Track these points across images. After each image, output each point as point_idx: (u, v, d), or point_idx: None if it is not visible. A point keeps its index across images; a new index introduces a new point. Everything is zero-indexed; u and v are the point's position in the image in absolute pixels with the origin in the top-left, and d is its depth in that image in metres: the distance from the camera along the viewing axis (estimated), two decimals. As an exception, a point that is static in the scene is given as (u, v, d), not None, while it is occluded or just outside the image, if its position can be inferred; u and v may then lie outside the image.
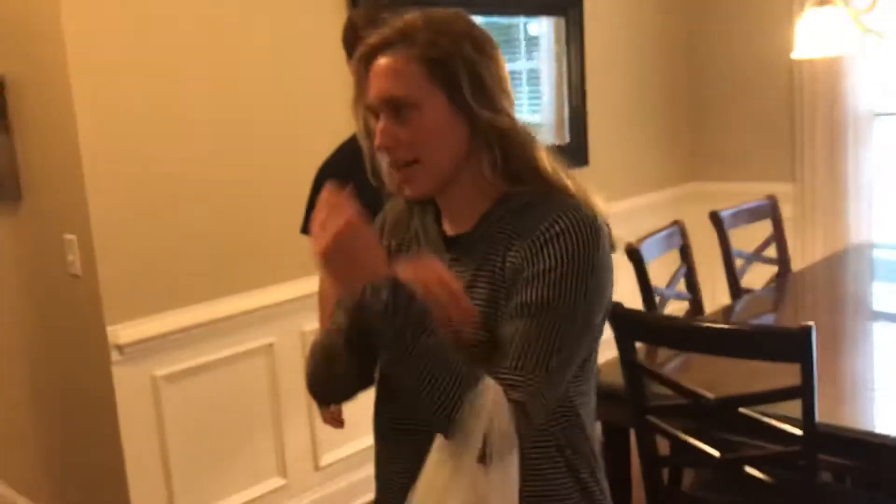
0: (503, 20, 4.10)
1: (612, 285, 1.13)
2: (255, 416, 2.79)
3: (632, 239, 2.71)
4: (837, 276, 3.25)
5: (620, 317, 1.87)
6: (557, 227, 1.07)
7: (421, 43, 1.08)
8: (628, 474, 2.25)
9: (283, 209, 2.70)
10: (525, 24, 4.22)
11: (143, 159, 2.46)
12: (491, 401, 0.98)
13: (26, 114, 2.57)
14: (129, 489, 2.50)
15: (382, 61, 1.11)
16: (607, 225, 1.15)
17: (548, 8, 3.80)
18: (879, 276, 3.25)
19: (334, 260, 1.00)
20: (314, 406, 2.58)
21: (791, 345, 1.67)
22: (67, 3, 2.30)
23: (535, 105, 4.29)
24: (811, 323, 1.63)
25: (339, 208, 1.00)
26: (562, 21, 3.85)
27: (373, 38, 1.13)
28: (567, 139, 3.94)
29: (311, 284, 2.35)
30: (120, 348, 2.44)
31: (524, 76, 4.78)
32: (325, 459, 3.00)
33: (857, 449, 1.78)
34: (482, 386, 0.99)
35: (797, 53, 2.60)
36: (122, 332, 2.44)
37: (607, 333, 1.86)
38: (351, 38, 1.98)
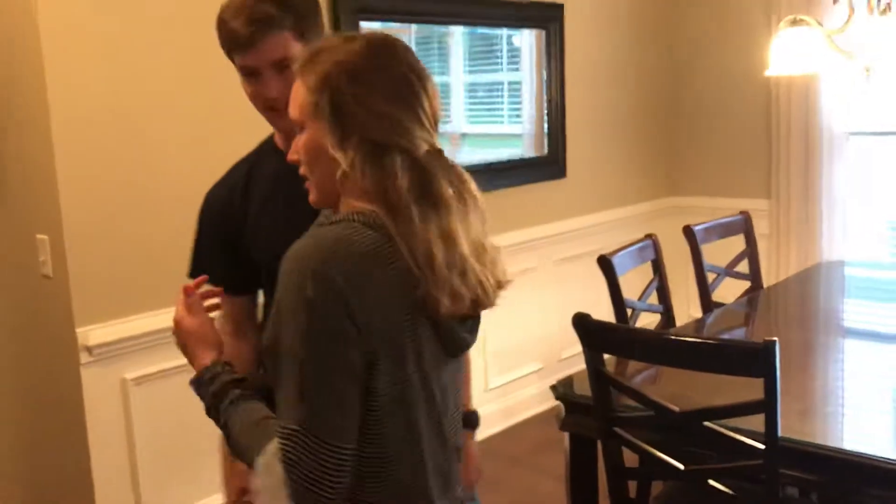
0: (485, 31, 4.12)
1: (325, 313, 1.06)
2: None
3: (607, 251, 2.74)
4: (809, 292, 3.29)
5: (588, 328, 1.89)
6: (284, 265, 1.10)
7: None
8: (595, 486, 2.27)
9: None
10: (508, 36, 4.25)
11: (116, 161, 2.46)
12: (270, 455, 1.06)
13: (1, 114, 2.56)
14: (95, 492, 2.48)
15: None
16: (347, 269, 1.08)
17: (529, 21, 3.83)
18: (850, 293, 3.29)
19: (179, 346, 1.33)
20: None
21: (755, 359, 1.68)
22: (44, 5, 2.29)
23: (515, 117, 4.31)
24: (775, 338, 1.65)
25: (179, 304, 1.32)
26: (542, 34, 3.88)
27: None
28: (545, 151, 3.96)
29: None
30: (89, 350, 2.42)
31: (505, 87, 4.81)
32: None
33: (819, 464, 1.80)
34: (269, 444, 1.07)
35: (771, 71, 2.63)
36: (92, 334, 2.43)
37: (576, 345, 1.90)
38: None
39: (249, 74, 1.47)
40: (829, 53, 2.54)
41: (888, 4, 2.39)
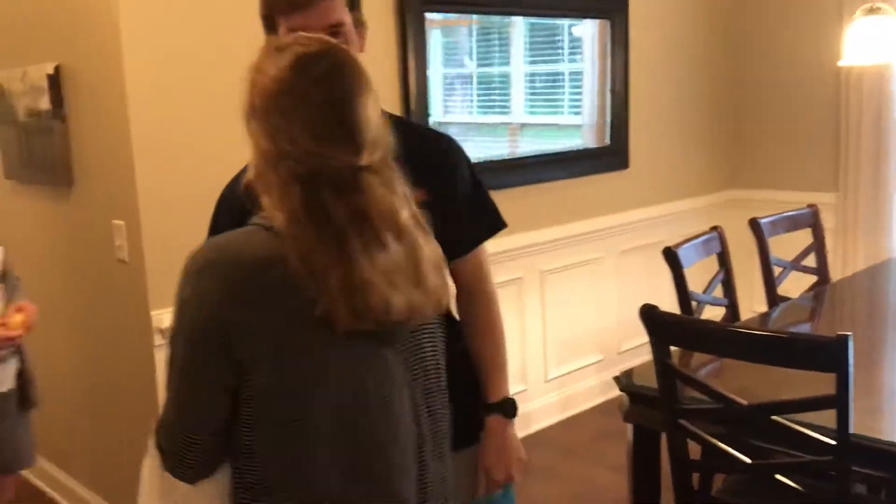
0: (546, 21, 4.12)
1: (193, 316, 1.15)
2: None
3: (671, 243, 2.72)
4: (878, 287, 3.21)
5: (656, 320, 1.89)
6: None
7: None
8: (658, 477, 2.26)
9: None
10: (569, 26, 4.23)
11: (193, 147, 2.52)
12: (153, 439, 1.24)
13: (80, 103, 2.65)
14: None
15: None
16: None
17: (592, 11, 3.81)
18: (921, 290, 3.21)
19: None
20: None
21: (827, 354, 1.66)
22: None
23: (575, 107, 4.29)
24: (849, 333, 1.63)
25: None
26: (606, 24, 3.85)
27: None
28: (608, 142, 3.93)
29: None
30: (163, 332, 2.50)
31: (566, 78, 4.79)
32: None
33: (889, 462, 1.77)
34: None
35: (845, 61, 2.58)
36: (166, 317, 2.50)
37: (636, 337, 1.89)
38: None
39: None
40: (906, 43, 2.48)
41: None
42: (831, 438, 1.70)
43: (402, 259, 1.16)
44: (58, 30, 2.68)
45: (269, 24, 1.45)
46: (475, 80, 5.04)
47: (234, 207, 1.46)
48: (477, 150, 3.81)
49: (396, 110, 3.01)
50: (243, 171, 1.51)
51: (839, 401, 1.66)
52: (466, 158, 1.62)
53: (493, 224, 1.65)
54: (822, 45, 4.04)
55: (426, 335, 1.28)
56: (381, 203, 1.14)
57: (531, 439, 3.54)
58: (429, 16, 3.11)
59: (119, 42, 2.37)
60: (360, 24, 1.48)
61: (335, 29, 1.40)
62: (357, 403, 1.18)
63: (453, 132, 4.56)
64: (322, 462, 1.16)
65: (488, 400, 1.61)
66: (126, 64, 2.38)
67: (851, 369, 1.64)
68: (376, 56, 2.93)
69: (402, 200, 1.17)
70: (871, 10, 2.42)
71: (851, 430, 1.67)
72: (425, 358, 1.28)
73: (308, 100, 1.13)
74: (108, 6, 2.39)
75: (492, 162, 3.51)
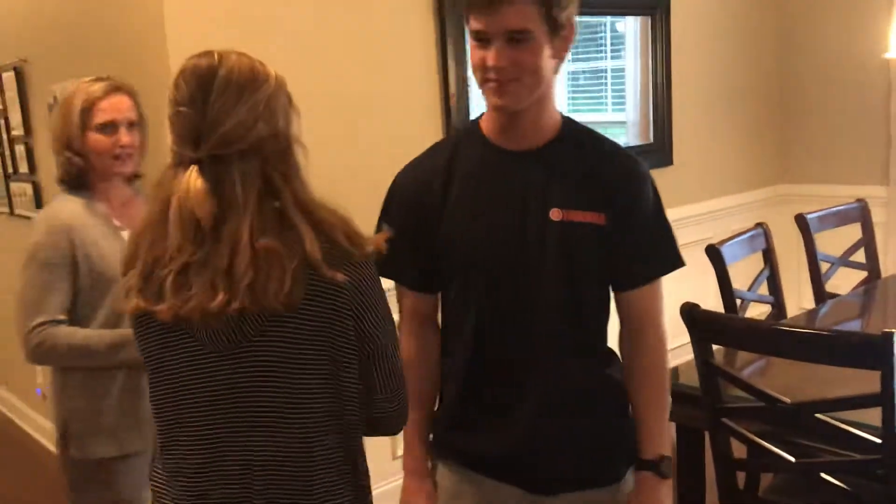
0: (588, 19, 4.11)
1: None
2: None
3: (716, 241, 2.70)
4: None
5: (696, 318, 1.88)
6: None
7: None
8: (703, 476, 2.26)
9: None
10: (611, 23, 4.22)
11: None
12: None
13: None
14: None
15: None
16: None
17: (634, 7, 3.79)
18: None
19: None
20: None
21: (872, 352, 1.64)
22: (170, 12, 2.44)
23: (618, 104, 4.28)
24: (893, 330, 1.61)
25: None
26: (648, 20, 3.83)
27: None
28: (651, 139, 3.91)
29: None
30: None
31: (608, 75, 4.77)
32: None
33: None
34: None
35: (892, 53, 2.53)
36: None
37: (680, 336, 1.89)
38: None
39: (479, 39, 1.36)
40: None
41: None
42: (877, 437, 1.68)
43: (202, 255, 1.16)
44: (111, 45, 2.77)
45: (466, 23, 1.42)
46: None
47: (407, 197, 1.50)
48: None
49: (436, 112, 3.05)
50: (417, 159, 1.55)
51: (885, 398, 1.64)
52: (653, 185, 1.49)
53: (672, 260, 1.51)
54: (871, 36, 3.96)
55: (268, 345, 1.19)
56: (185, 194, 1.16)
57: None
58: (469, 19, 3.13)
59: (167, 60, 2.44)
60: (556, 29, 1.37)
61: (516, 35, 1.33)
62: (194, 395, 1.22)
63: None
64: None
65: (642, 455, 1.50)
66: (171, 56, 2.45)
67: (896, 367, 1.62)
68: (415, 59, 2.97)
69: (241, 196, 1.17)
70: (918, 1, 2.37)
71: (897, 428, 1.65)
72: (268, 373, 1.20)
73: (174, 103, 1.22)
74: (157, 26, 2.47)
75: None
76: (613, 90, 4.65)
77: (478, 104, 4.27)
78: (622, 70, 4.03)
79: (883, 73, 4.01)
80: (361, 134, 2.86)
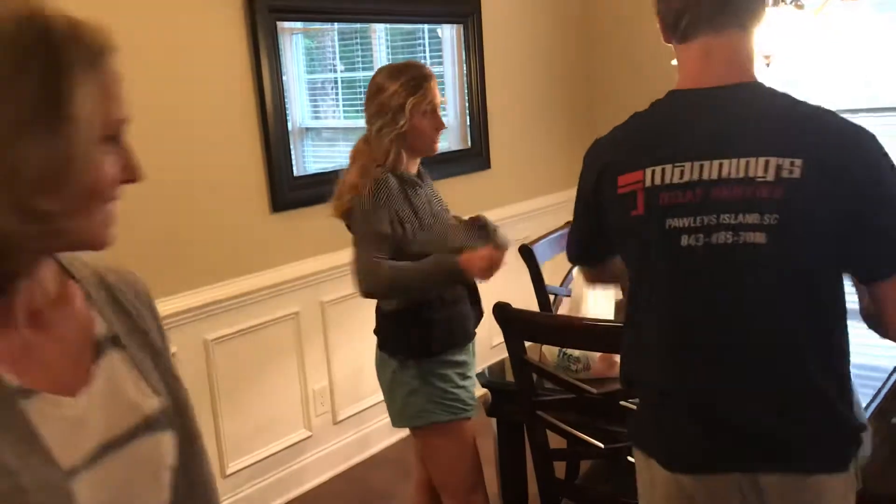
0: (406, 26, 4.15)
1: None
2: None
3: (534, 239, 2.81)
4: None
5: (508, 317, 1.95)
6: None
7: None
8: (524, 469, 2.34)
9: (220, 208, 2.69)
10: (429, 29, 4.29)
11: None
12: None
13: None
14: None
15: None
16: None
17: (447, 16, 3.88)
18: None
19: None
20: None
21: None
22: None
23: (441, 109, 4.36)
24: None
25: None
26: (461, 28, 3.93)
27: None
28: (469, 144, 4.02)
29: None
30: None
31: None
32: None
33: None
34: None
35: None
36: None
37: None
38: None
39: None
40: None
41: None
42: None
43: None
44: None
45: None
46: (340, 84, 5.03)
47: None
48: (344, 155, 3.81)
49: (252, 116, 2.99)
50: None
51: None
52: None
53: None
54: (667, 48, 4.25)
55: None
56: None
57: (370, 462, 3.47)
58: (282, 24, 3.09)
59: None
60: None
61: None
62: None
63: (323, 138, 4.54)
64: None
65: None
66: None
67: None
68: (228, 62, 2.89)
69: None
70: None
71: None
72: None
73: None
74: None
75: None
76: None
77: (303, 108, 4.22)
78: (442, 76, 4.11)
79: (675, 84, 4.32)
80: (173, 142, 2.75)
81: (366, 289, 2.12)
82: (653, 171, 1.33)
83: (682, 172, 1.31)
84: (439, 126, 2.21)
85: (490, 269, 2.09)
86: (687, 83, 1.39)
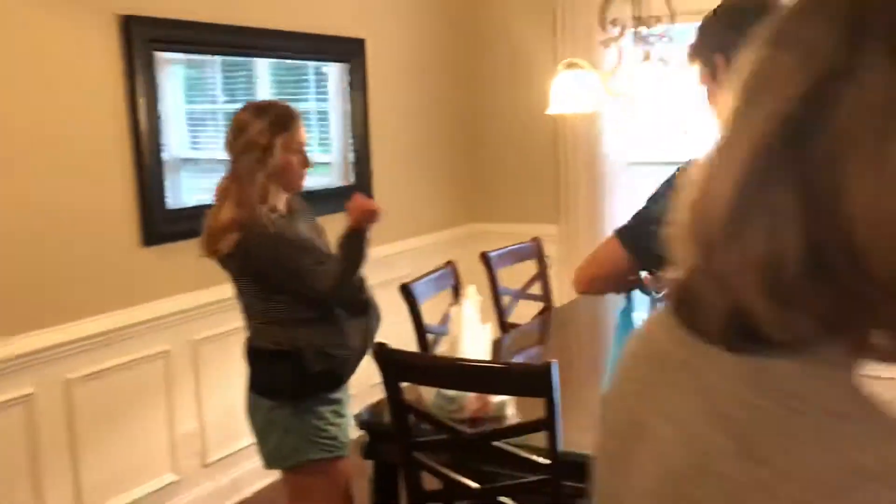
0: (293, 62, 4.13)
1: None
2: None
3: (412, 277, 2.83)
4: (597, 310, 3.55)
5: (385, 357, 1.95)
6: None
7: None
8: (399, 510, 2.32)
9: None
10: (315, 65, 4.28)
11: None
12: None
13: None
14: None
15: None
16: None
17: (332, 55, 3.88)
18: (635, 310, 3.59)
19: None
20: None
21: (537, 380, 1.81)
22: None
23: (325, 146, 4.34)
24: (554, 360, 1.78)
25: None
26: (346, 67, 3.94)
27: None
28: (353, 180, 4.02)
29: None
30: None
31: (314, 116, 4.82)
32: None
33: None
34: None
35: (551, 110, 2.85)
36: None
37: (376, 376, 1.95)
38: None
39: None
40: (601, 94, 2.79)
41: (647, 52, 2.66)
42: (546, 458, 1.85)
43: None
44: None
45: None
46: (223, 116, 4.94)
47: None
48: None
49: (124, 146, 2.89)
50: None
51: (549, 423, 1.81)
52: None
53: None
54: (543, 93, 4.41)
55: None
56: None
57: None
58: (160, 55, 3.01)
59: None
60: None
61: None
62: None
63: (203, 169, 4.42)
64: None
65: None
66: None
67: (557, 393, 1.80)
68: (101, 90, 2.79)
69: None
70: (570, 65, 2.71)
71: (561, 448, 1.83)
72: None
73: None
74: None
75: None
76: (319, 132, 4.71)
77: (181, 138, 4.11)
78: (327, 112, 4.11)
79: (552, 125, 4.49)
80: (37, 171, 2.62)
81: (333, 289, 2.18)
82: None
83: None
84: (307, 164, 2.26)
85: (367, 207, 2.22)
86: None
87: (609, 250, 1.68)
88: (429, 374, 2.03)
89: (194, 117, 4.54)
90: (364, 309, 2.29)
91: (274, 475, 3.42)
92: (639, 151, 4.44)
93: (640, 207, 1.65)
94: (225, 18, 3.27)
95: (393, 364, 1.96)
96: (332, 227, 2.48)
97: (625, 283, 1.82)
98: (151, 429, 3.05)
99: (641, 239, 1.61)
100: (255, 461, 3.41)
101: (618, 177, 4.40)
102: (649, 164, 4.47)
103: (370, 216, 2.20)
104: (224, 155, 2.25)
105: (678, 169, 1.59)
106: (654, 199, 1.62)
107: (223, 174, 2.25)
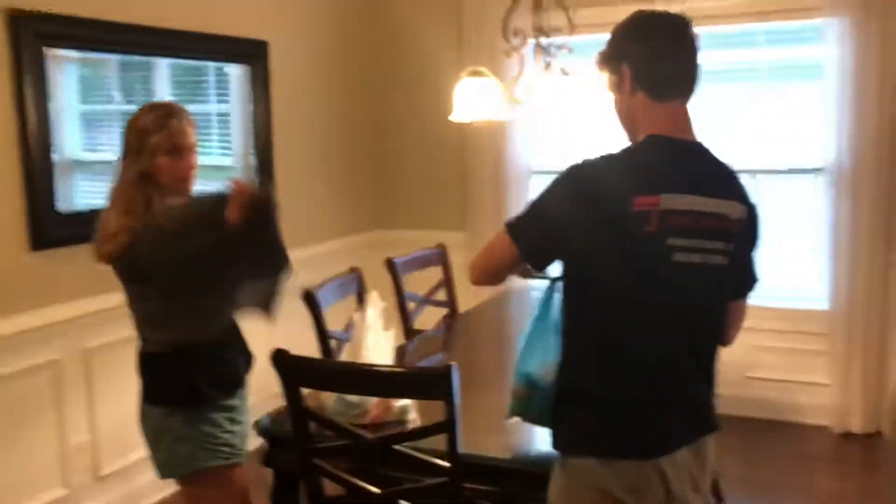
0: (194, 62, 4.03)
1: None
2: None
3: (316, 283, 2.80)
4: (500, 315, 3.60)
5: (285, 363, 1.92)
6: None
7: None
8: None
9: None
10: (216, 66, 4.19)
11: None
12: None
13: None
14: None
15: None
16: None
17: (234, 56, 3.82)
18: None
19: None
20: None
21: (435, 384, 1.82)
22: None
23: (226, 149, 4.25)
24: (452, 363, 1.80)
25: None
26: (248, 69, 3.88)
27: None
28: (255, 184, 3.95)
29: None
30: None
31: (214, 119, 4.72)
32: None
33: (493, 474, 1.98)
34: None
35: (454, 117, 2.88)
36: None
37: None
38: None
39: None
40: (503, 102, 2.84)
41: (548, 63, 2.73)
42: (446, 460, 1.86)
43: None
44: None
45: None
46: (119, 117, 4.77)
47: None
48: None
49: (12, 146, 2.76)
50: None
51: (448, 426, 1.82)
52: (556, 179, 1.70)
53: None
54: (449, 100, 4.46)
55: None
56: None
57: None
58: (52, 51, 2.89)
59: None
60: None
61: None
62: None
63: (98, 171, 4.26)
64: None
65: None
66: None
67: (457, 397, 1.81)
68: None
69: None
70: (474, 73, 2.74)
71: (460, 450, 1.84)
72: None
73: None
74: None
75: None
76: (220, 134, 4.61)
77: (74, 139, 3.95)
78: (228, 114, 4.02)
79: (458, 133, 4.54)
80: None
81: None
82: (670, 198, 1.58)
83: (687, 202, 1.60)
84: (185, 166, 2.13)
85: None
86: (661, 132, 1.65)
87: (498, 242, 1.73)
88: (330, 379, 2.01)
89: (89, 118, 4.38)
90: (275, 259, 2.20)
91: (171, 487, 3.34)
92: (541, 159, 4.54)
93: (531, 201, 1.71)
94: (123, 16, 3.17)
95: (293, 370, 1.94)
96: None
97: (521, 271, 1.87)
98: (40, 441, 2.91)
99: (527, 231, 1.68)
100: (152, 473, 3.31)
101: (522, 184, 4.47)
102: (552, 172, 4.57)
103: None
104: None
105: (570, 166, 1.65)
106: (546, 194, 1.68)
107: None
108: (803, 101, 4.02)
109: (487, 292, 4.40)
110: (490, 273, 1.79)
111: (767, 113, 4.10)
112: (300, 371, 1.95)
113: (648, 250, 1.59)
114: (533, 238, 1.68)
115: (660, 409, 1.64)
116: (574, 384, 1.68)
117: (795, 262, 4.16)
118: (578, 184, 1.64)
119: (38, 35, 2.78)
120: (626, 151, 1.68)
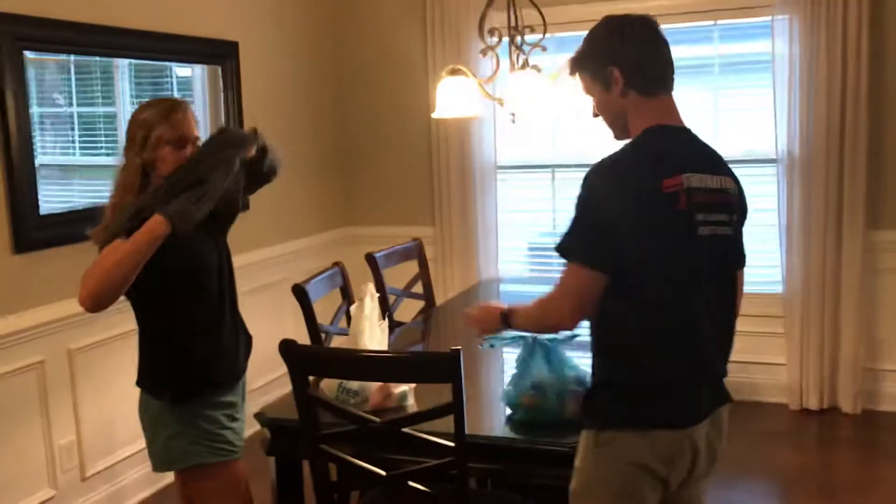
0: (153, 63, 4.02)
1: None
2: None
3: (291, 281, 2.86)
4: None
5: (292, 352, 1.99)
6: None
7: None
8: (302, 506, 2.35)
9: None
10: (175, 68, 4.18)
11: None
12: None
13: None
14: None
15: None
16: None
17: (203, 56, 3.83)
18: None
19: None
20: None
21: (444, 367, 1.91)
22: None
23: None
24: (459, 347, 1.89)
25: None
26: (218, 69, 3.90)
27: None
28: (226, 184, 3.97)
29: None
30: None
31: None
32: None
33: (498, 454, 2.08)
34: None
35: (437, 113, 2.96)
36: None
37: (270, 372, 1.98)
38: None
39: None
40: (482, 100, 2.94)
41: (525, 61, 2.83)
42: (451, 441, 1.95)
43: None
44: None
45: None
46: (76, 120, 4.72)
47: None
48: (81, 195, 3.56)
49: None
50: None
51: (456, 408, 1.91)
52: (584, 187, 1.76)
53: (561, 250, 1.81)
54: (417, 97, 4.56)
55: None
56: None
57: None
58: (29, 55, 2.89)
59: None
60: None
61: None
62: None
63: (54, 175, 4.22)
64: None
65: None
66: None
67: (463, 379, 1.90)
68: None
69: None
70: (454, 71, 2.83)
71: (466, 431, 1.94)
72: None
73: None
74: None
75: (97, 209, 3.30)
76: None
77: (43, 141, 3.92)
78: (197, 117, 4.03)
79: (426, 130, 4.63)
80: None
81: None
82: (688, 177, 1.71)
83: (700, 179, 1.73)
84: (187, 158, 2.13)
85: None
86: (656, 122, 1.78)
87: (574, 278, 1.73)
88: (339, 366, 2.08)
89: (43, 121, 4.34)
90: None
91: (157, 485, 3.37)
92: (508, 155, 4.65)
93: (574, 224, 1.73)
94: (94, 18, 3.17)
95: (300, 358, 2.00)
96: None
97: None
98: (26, 443, 2.91)
99: (594, 250, 1.69)
100: (137, 472, 3.34)
101: (489, 179, 4.58)
102: (518, 167, 4.70)
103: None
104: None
105: (592, 172, 1.73)
106: (584, 209, 1.72)
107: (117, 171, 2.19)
108: (756, 95, 4.21)
109: (458, 284, 4.51)
110: (586, 309, 1.75)
111: (723, 106, 4.29)
112: (307, 359, 2.01)
113: (681, 227, 1.70)
114: (605, 253, 1.69)
115: (693, 381, 1.77)
116: (612, 371, 1.78)
117: (752, 249, 4.36)
118: (611, 182, 1.70)
119: (17, 37, 2.78)
120: (634, 144, 1.78)
